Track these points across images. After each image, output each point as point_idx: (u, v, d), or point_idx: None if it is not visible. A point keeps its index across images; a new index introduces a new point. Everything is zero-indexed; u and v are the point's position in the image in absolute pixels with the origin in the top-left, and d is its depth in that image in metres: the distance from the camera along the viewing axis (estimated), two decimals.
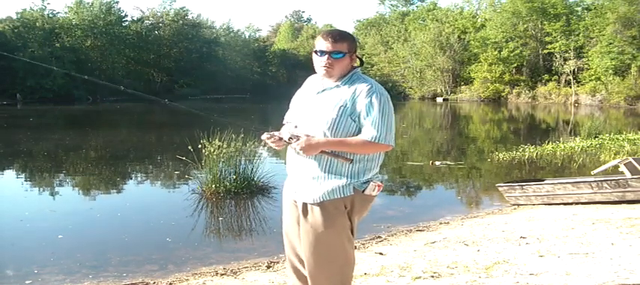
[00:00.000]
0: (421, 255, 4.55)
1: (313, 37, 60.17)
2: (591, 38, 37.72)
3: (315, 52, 2.44)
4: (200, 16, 55.83)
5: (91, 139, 16.05)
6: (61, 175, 10.35)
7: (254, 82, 55.19)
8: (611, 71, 35.13)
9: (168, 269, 4.75)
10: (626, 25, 34.43)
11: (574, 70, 38.02)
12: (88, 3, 43.33)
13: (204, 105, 35.68)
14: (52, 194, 8.51)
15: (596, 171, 7.85)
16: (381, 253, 4.73)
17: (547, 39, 40.29)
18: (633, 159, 7.64)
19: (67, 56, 38.84)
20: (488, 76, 41.55)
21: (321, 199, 2.39)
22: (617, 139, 13.04)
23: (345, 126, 2.36)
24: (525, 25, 41.65)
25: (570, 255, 4.24)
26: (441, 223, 6.37)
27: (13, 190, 8.84)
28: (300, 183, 2.48)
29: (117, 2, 44.74)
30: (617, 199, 6.84)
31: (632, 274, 3.64)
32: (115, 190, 8.91)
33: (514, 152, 12.03)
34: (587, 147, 12.46)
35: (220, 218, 7.02)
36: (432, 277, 3.80)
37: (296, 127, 2.48)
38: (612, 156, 10.59)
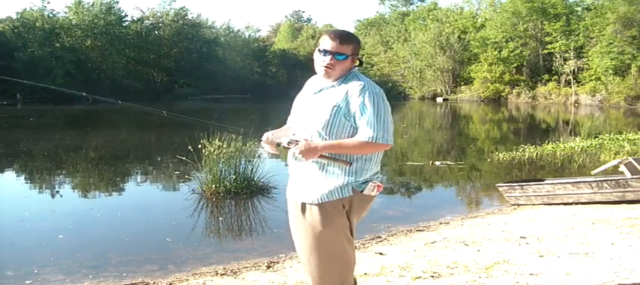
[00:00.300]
0: (421, 255, 4.55)
1: (313, 37, 60.41)
2: (591, 38, 37.74)
3: (319, 50, 2.42)
4: (200, 16, 55.90)
5: (91, 139, 16.06)
6: (61, 175, 10.35)
7: (254, 82, 55.17)
8: (611, 71, 35.14)
9: (168, 269, 4.75)
10: (626, 25, 34.44)
11: (574, 70, 38.04)
12: (87, 3, 43.34)
13: (204, 105, 35.67)
14: (52, 194, 8.51)
15: (596, 171, 7.85)
16: (381, 253, 4.73)
17: (547, 39, 40.31)
18: (633, 159, 7.64)
19: (67, 56, 38.84)
20: (488, 76, 41.57)
21: (320, 200, 2.39)
22: (617, 139, 13.04)
23: (339, 126, 2.35)
24: (525, 25, 41.68)
25: (570, 255, 4.24)
26: (441, 223, 6.37)
27: (13, 190, 8.84)
28: (299, 183, 2.49)
29: (117, 2, 44.76)
30: (617, 199, 6.83)
31: (632, 274, 3.64)
32: (115, 190, 8.91)
33: (514, 152, 12.03)
34: (587, 147, 12.46)
35: (220, 218, 7.02)
36: (432, 277, 3.80)
37: (294, 134, 2.48)
38: (612, 156, 10.59)
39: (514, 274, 3.74)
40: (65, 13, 43.13)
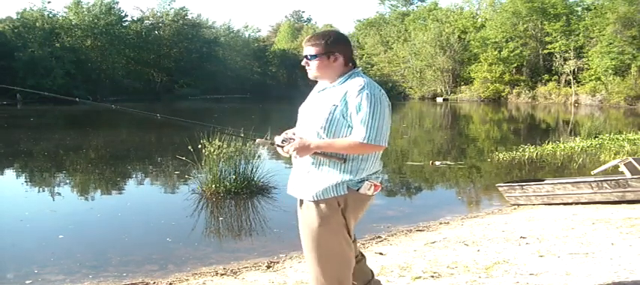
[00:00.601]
0: (421, 255, 4.55)
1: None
2: (591, 38, 37.75)
3: None
4: (200, 17, 55.92)
5: (91, 139, 16.06)
6: (61, 175, 10.35)
7: (254, 82, 55.19)
8: (611, 71, 35.14)
9: (168, 269, 4.75)
10: (626, 25, 34.44)
11: (574, 70, 38.05)
12: (87, 3, 43.36)
13: (204, 105, 35.68)
14: (52, 194, 8.50)
15: (596, 171, 7.85)
16: (381, 253, 4.73)
17: (547, 39, 40.32)
18: (633, 159, 7.64)
19: (67, 56, 38.86)
20: (489, 76, 41.58)
21: (315, 197, 2.40)
22: (617, 139, 13.04)
23: (337, 125, 2.37)
24: (525, 25, 41.68)
25: (570, 255, 4.24)
26: (441, 223, 6.36)
27: (13, 190, 8.85)
28: (298, 179, 2.52)
29: (117, 2, 44.78)
30: (617, 199, 6.83)
31: (632, 274, 3.64)
32: (115, 190, 8.91)
33: (514, 152, 12.03)
34: (587, 147, 12.46)
35: (220, 218, 7.02)
36: (432, 277, 3.80)
37: (293, 133, 2.52)
38: (612, 156, 10.59)
39: (514, 274, 3.74)
40: (65, 13, 43.15)
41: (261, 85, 55.50)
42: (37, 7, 40.76)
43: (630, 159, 7.69)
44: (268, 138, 2.70)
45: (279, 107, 34.37)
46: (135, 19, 47.76)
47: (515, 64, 41.93)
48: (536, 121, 26.88)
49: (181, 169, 9.48)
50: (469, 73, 44.40)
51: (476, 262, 4.13)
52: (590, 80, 37.10)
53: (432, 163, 11.17)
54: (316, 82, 2.58)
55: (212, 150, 7.68)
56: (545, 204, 7.25)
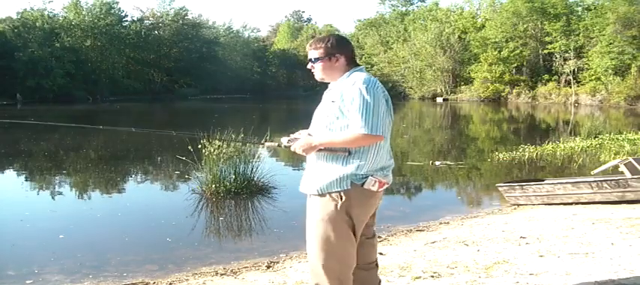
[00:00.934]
0: (421, 255, 4.55)
1: (313, 38, 60.26)
2: (591, 38, 37.74)
3: None
4: (200, 17, 55.98)
5: (91, 139, 16.05)
6: (61, 175, 10.35)
7: (254, 82, 55.22)
8: (611, 71, 35.14)
9: (168, 269, 4.75)
10: (626, 25, 34.43)
11: (574, 70, 38.05)
12: (86, 3, 43.38)
13: (203, 105, 35.68)
14: (52, 194, 8.50)
15: (596, 171, 7.85)
16: (381, 253, 4.73)
17: (547, 39, 40.32)
18: (633, 159, 7.64)
19: (67, 56, 38.88)
20: (489, 76, 41.58)
21: (319, 191, 2.46)
22: (617, 139, 13.03)
23: (338, 120, 2.44)
24: (525, 25, 41.69)
25: (570, 255, 4.24)
26: (441, 223, 6.36)
27: (13, 190, 8.84)
28: (306, 174, 2.60)
29: (117, 2, 44.79)
30: (617, 199, 6.83)
31: (632, 274, 3.64)
32: (115, 190, 8.91)
33: (514, 152, 12.03)
34: (587, 147, 12.45)
35: (220, 218, 7.02)
36: (432, 277, 3.80)
37: (298, 133, 2.64)
38: (612, 156, 10.58)
39: (514, 274, 3.74)
40: (64, 14, 43.17)
41: (261, 85, 55.53)
42: (37, 7, 40.81)
43: (630, 159, 7.69)
44: (268, 138, 2.78)
45: (279, 107, 34.39)
46: (135, 19, 47.82)
47: (515, 64, 41.94)
48: (536, 121, 26.88)
49: (181, 169, 9.48)
50: (469, 73, 44.42)
51: (476, 262, 4.13)
52: (590, 80, 37.09)
53: (432, 163, 11.17)
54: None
55: (212, 150, 7.68)
56: (545, 204, 7.25)
